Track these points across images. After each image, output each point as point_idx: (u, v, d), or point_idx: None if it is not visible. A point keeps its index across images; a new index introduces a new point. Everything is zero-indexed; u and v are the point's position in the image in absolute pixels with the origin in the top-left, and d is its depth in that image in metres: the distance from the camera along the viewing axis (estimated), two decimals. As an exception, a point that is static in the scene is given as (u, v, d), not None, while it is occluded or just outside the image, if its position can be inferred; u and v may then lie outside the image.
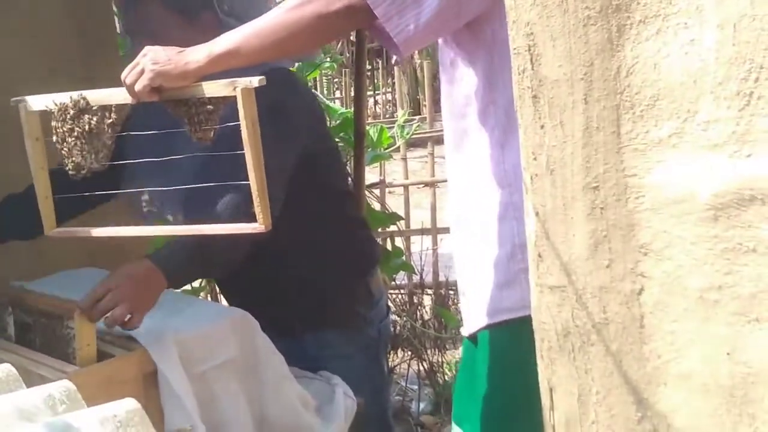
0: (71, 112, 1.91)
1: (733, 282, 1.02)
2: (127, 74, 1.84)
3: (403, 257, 4.13)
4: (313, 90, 3.78)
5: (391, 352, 4.26)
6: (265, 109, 1.80)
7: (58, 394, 1.37)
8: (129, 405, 1.33)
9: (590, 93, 1.12)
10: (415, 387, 4.32)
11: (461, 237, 2.01)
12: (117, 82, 1.87)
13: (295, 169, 2.25)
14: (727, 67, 0.99)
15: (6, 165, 2.47)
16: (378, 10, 1.73)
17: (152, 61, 1.81)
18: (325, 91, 10.14)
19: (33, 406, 1.33)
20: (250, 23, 1.80)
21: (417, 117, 10.70)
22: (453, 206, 2.03)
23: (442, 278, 5.03)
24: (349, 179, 3.37)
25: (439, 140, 5.40)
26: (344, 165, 3.07)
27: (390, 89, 12.88)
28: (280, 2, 2.00)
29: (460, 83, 1.93)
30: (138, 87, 1.82)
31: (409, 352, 4.42)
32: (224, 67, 1.81)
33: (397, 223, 4.32)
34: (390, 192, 5.72)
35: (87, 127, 1.91)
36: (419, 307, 4.72)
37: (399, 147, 5.01)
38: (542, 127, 1.20)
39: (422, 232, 5.40)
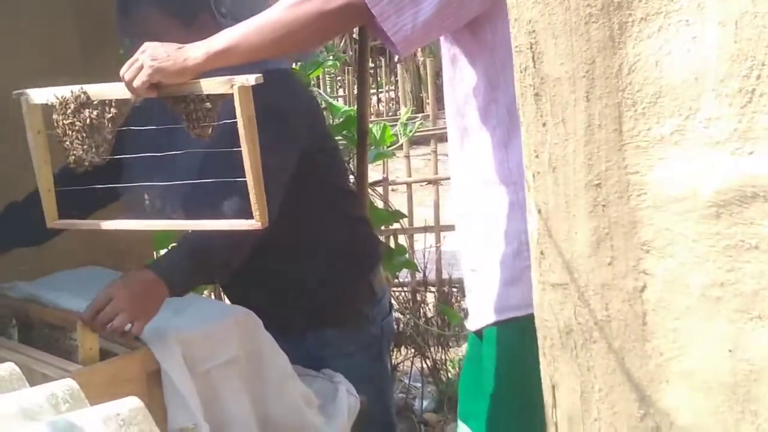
0: (72, 106, 1.92)
1: (735, 279, 1.02)
2: (126, 70, 1.85)
3: (406, 255, 4.13)
4: (315, 87, 3.78)
5: (394, 349, 4.26)
6: (264, 111, 1.80)
7: (61, 392, 1.37)
8: (132, 404, 1.33)
9: (592, 91, 1.12)
10: (419, 385, 4.31)
11: (464, 234, 2.01)
12: (117, 81, 1.88)
13: (295, 168, 2.26)
14: (728, 65, 0.99)
15: (8, 163, 2.48)
16: (375, 9, 1.73)
17: (151, 57, 1.81)
18: (328, 89, 10.13)
19: (36, 404, 1.33)
20: (250, 20, 1.80)
21: (420, 115, 10.69)
22: (455, 203, 2.03)
23: (445, 276, 5.02)
24: (352, 177, 3.37)
25: (442, 138, 5.40)
26: (345, 164, 3.07)
27: (393, 87, 12.87)
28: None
29: (461, 82, 1.92)
30: (137, 83, 1.82)
31: (413, 350, 4.41)
32: (223, 64, 1.81)
33: (400, 220, 4.32)
34: (393, 190, 5.71)
35: (87, 121, 1.91)
36: (422, 305, 4.72)
37: (402, 145, 5.01)
38: (544, 124, 1.20)
39: (425, 229, 5.39)
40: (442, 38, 1.95)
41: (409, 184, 5.73)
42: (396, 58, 11.99)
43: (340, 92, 11.09)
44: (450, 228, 4.98)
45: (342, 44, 10.05)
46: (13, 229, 2.38)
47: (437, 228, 5.44)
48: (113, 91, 1.90)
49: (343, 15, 1.77)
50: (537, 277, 1.29)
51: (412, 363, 4.39)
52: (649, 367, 1.12)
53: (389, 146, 4.08)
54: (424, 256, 4.81)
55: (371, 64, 11.09)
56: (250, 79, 1.75)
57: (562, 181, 1.19)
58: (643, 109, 1.07)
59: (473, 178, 1.95)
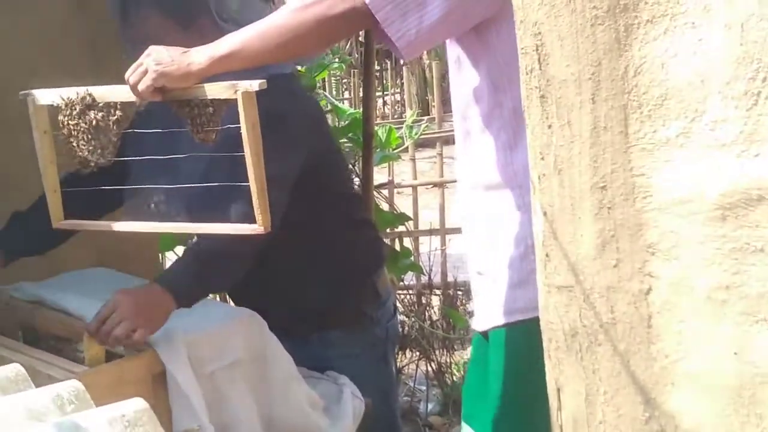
0: (78, 107, 1.93)
1: (740, 282, 1.02)
2: (131, 74, 1.86)
3: (412, 258, 4.13)
4: (320, 90, 3.78)
5: (399, 352, 4.26)
6: (267, 117, 1.81)
7: (67, 394, 1.37)
8: (137, 405, 1.33)
9: (598, 93, 1.12)
10: (424, 388, 4.31)
11: (469, 236, 2.01)
12: (123, 83, 1.89)
13: (299, 173, 2.27)
14: (734, 67, 0.99)
15: (13, 163, 2.48)
16: (379, 15, 1.73)
17: (155, 61, 1.82)
18: (334, 92, 10.13)
19: (42, 405, 1.33)
20: (253, 25, 1.81)
21: (426, 117, 10.68)
22: (460, 205, 2.03)
23: (450, 279, 5.02)
24: (357, 180, 3.37)
25: (447, 140, 5.41)
26: (348, 167, 3.07)
27: (399, 90, 12.86)
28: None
29: (464, 84, 1.92)
30: (141, 87, 1.83)
31: (418, 353, 4.41)
32: (227, 69, 1.81)
33: (406, 223, 4.32)
34: (398, 192, 5.72)
35: (93, 122, 1.92)
36: (427, 308, 4.71)
37: (407, 147, 5.01)
38: (550, 126, 1.20)
39: (431, 232, 5.39)
40: (447, 40, 1.95)
41: (414, 187, 5.73)
42: (401, 61, 11.99)
43: (346, 95, 11.09)
44: (455, 231, 4.97)
45: (348, 47, 10.05)
46: (18, 239, 2.39)
47: (442, 231, 5.44)
48: (119, 93, 1.91)
49: (347, 20, 1.77)
50: (542, 279, 1.29)
51: (417, 366, 4.39)
52: (655, 369, 1.12)
53: (395, 149, 4.08)
54: (429, 259, 4.81)
55: (377, 67, 11.08)
56: (254, 84, 1.76)
57: (567, 183, 1.19)
58: (649, 111, 1.07)
59: (476, 180, 1.95)
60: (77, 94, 1.93)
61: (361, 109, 3.40)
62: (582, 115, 1.15)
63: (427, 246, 5.20)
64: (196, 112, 1.84)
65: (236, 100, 1.76)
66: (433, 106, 11.42)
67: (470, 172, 1.96)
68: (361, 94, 4.12)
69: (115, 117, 1.92)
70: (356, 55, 10.16)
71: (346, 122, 3.81)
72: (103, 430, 1.26)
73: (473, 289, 2.03)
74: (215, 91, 1.80)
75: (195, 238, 2.36)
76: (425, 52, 9.87)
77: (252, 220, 1.82)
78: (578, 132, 1.16)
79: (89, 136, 1.94)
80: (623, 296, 1.14)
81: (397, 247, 4.17)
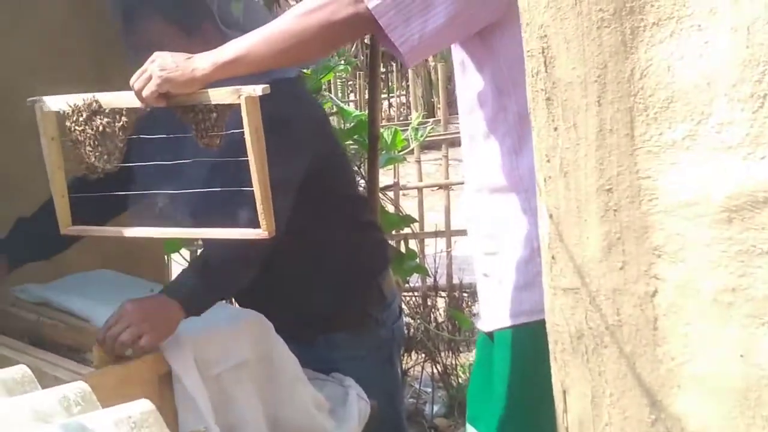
0: (84, 114, 1.94)
1: (747, 284, 1.02)
2: (136, 80, 1.87)
3: (417, 260, 4.13)
4: (326, 92, 3.78)
5: (405, 354, 4.26)
6: (271, 122, 1.82)
7: (73, 395, 1.37)
8: (143, 406, 1.33)
9: (604, 95, 1.12)
10: (429, 390, 4.31)
11: (474, 238, 2.01)
12: (125, 83, 1.90)
13: (303, 178, 2.27)
14: (740, 70, 0.99)
15: (15, 164, 2.49)
16: (383, 20, 1.73)
17: (160, 67, 1.83)
18: (339, 94, 10.14)
19: (48, 407, 1.33)
20: (257, 31, 1.81)
21: (431, 119, 10.69)
22: (465, 206, 2.04)
23: (455, 281, 5.02)
24: (363, 182, 3.37)
25: (453, 142, 5.41)
26: (352, 170, 3.07)
27: (404, 92, 12.88)
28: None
29: (468, 88, 1.92)
30: (146, 93, 1.84)
31: (423, 355, 4.41)
32: (231, 74, 1.82)
33: (411, 225, 4.32)
34: (404, 194, 5.71)
35: (100, 128, 1.93)
36: (433, 310, 4.72)
37: (413, 149, 5.01)
38: (556, 129, 1.20)
39: (436, 234, 5.40)
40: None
41: (420, 189, 5.74)
42: (407, 63, 11.98)
43: (351, 97, 11.11)
44: (461, 233, 4.97)
45: (353, 49, 10.06)
46: (22, 244, 2.40)
47: (448, 233, 5.44)
48: (124, 99, 1.92)
49: (351, 25, 1.77)
50: (548, 281, 1.29)
51: (423, 368, 4.39)
52: (660, 372, 1.11)
53: (400, 151, 4.08)
54: (434, 260, 4.81)
55: (382, 69, 11.08)
56: (257, 89, 1.76)
57: (573, 185, 1.19)
58: (655, 113, 1.07)
59: (481, 183, 1.95)
60: (84, 100, 1.94)
61: (367, 112, 3.40)
62: (588, 117, 1.15)
63: (433, 248, 5.20)
64: (200, 117, 1.85)
65: (240, 105, 1.77)
66: (439, 108, 11.42)
67: (476, 175, 1.96)
68: (366, 96, 4.11)
69: (121, 123, 1.93)
70: (362, 58, 10.17)
71: (352, 124, 3.81)
72: (110, 431, 1.27)
73: (479, 290, 2.04)
74: (219, 96, 1.81)
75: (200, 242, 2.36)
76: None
77: (256, 224, 1.83)
78: (584, 134, 1.16)
79: (96, 142, 1.95)
80: (629, 298, 1.14)
81: (403, 249, 4.17)
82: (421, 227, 5.44)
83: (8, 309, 2.32)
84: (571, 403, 1.28)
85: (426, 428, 4.10)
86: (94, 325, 2.13)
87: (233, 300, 2.77)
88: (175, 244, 3.44)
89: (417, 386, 4.32)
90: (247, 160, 1.79)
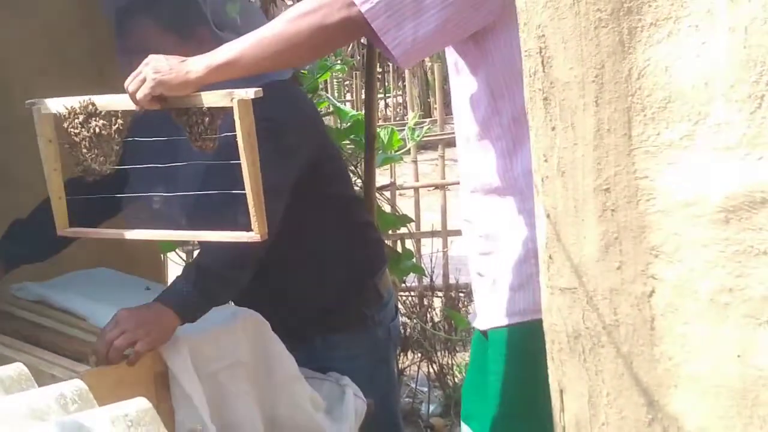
0: (81, 117, 1.94)
1: (744, 284, 1.02)
2: (130, 82, 1.87)
3: (414, 259, 4.13)
4: (323, 92, 3.77)
5: (401, 354, 4.26)
6: (265, 125, 1.82)
7: (70, 393, 1.37)
8: (140, 404, 1.33)
9: (601, 95, 1.12)
10: (425, 389, 4.31)
11: (469, 238, 2.02)
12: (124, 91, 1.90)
13: (296, 180, 2.28)
14: (738, 70, 0.99)
15: (14, 161, 2.49)
16: (375, 24, 1.73)
17: (154, 70, 1.84)
18: (336, 94, 10.13)
19: (45, 405, 1.33)
20: (250, 34, 1.82)
21: (428, 120, 10.67)
22: (461, 206, 2.04)
23: (452, 280, 5.02)
24: (359, 181, 3.37)
25: (449, 142, 5.40)
26: (347, 171, 3.08)
27: (401, 92, 12.87)
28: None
29: (463, 91, 1.92)
30: (140, 95, 1.85)
31: (419, 354, 4.41)
32: (225, 77, 1.82)
33: (408, 225, 4.32)
34: (400, 194, 5.71)
35: (96, 130, 1.94)
36: (429, 309, 4.72)
37: (409, 149, 5.01)
38: (553, 129, 1.20)
39: (432, 234, 5.40)
40: (445, 46, 1.95)
41: (416, 189, 5.74)
42: (403, 65, 11.97)
43: (348, 97, 11.11)
44: (457, 233, 4.97)
45: (350, 49, 10.06)
46: (18, 247, 2.39)
47: (444, 233, 5.44)
48: (120, 102, 1.92)
49: (344, 29, 1.77)
50: (545, 281, 1.29)
51: (419, 367, 4.39)
52: (658, 371, 1.12)
53: (397, 151, 4.08)
54: (431, 260, 4.81)
55: (379, 69, 11.08)
56: (250, 92, 1.77)
57: (571, 185, 1.19)
58: (653, 114, 1.07)
59: (476, 184, 1.95)
60: (80, 102, 1.95)
61: (363, 111, 3.40)
62: (585, 117, 1.15)
63: (429, 248, 5.20)
64: (193, 120, 1.86)
65: (233, 108, 1.77)
66: (435, 109, 11.44)
67: (471, 176, 1.97)
68: (363, 96, 4.12)
69: (117, 125, 1.94)
70: (358, 57, 10.18)
71: (348, 124, 3.81)
72: (106, 429, 1.27)
73: (474, 288, 2.04)
74: (212, 99, 1.82)
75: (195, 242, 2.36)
76: (427, 55, 9.86)
77: (249, 228, 1.83)
78: (582, 134, 1.16)
79: (92, 145, 1.95)
80: (626, 298, 1.14)
81: (399, 248, 4.17)
82: (418, 227, 5.45)
83: (6, 307, 2.31)
84: (568, 403, 1.28)
85: (422, 428, 4.10)
86: (92, 323, 2.14)
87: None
88: (171, 244, 3.44)
89: (413, 386, 4.32)
90: (239, 164, 1.79)
